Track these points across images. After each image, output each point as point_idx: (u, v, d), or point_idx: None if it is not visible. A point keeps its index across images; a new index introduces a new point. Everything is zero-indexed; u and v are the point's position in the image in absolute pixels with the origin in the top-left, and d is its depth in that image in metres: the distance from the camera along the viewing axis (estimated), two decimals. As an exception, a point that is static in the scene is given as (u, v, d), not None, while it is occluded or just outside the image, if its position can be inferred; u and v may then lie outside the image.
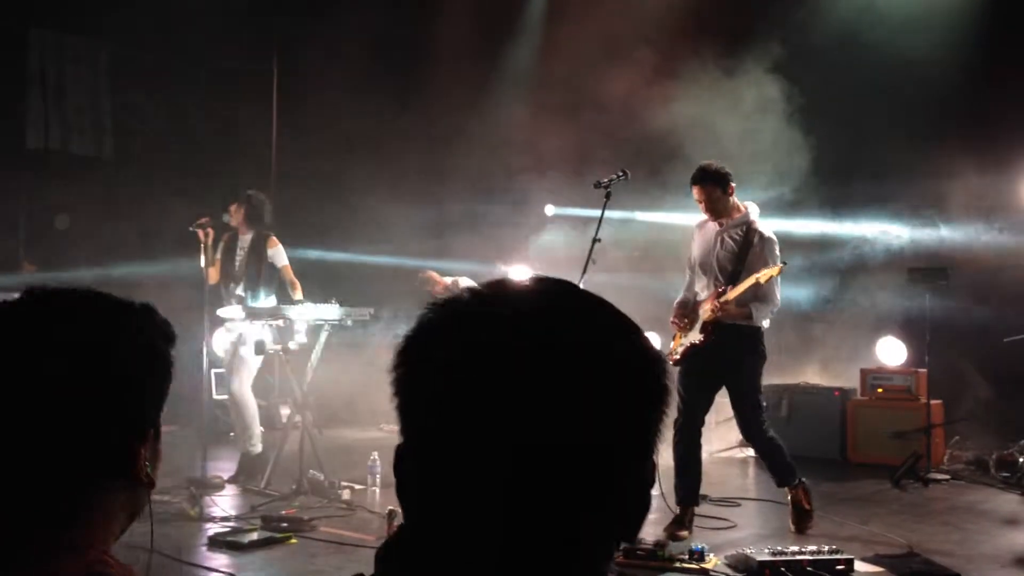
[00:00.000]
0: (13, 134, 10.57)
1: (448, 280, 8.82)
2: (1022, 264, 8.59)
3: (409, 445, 0.89)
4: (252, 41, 11.32)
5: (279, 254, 7.30)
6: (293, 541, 5.46)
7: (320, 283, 7.86)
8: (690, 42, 9.22)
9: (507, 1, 11.35)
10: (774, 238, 5.79)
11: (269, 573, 4.99)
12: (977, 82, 8.51)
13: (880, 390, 8.48)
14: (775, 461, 5.86)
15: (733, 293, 5.64)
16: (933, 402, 8.04)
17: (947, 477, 7.57)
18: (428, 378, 0.87)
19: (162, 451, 1.28)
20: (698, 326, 5.80)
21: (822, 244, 9.48)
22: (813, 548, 4.89)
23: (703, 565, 4.93)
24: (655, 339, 7.59)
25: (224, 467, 7.32)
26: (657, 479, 1.12)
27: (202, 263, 6.97)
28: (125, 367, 1.21)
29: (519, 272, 8.78)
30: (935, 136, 8.42)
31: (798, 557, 4.77)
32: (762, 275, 5.57)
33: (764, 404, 5.90)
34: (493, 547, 0.83)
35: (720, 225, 5.83)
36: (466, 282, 6.81)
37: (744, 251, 5.75)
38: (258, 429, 7.24)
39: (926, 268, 8.33)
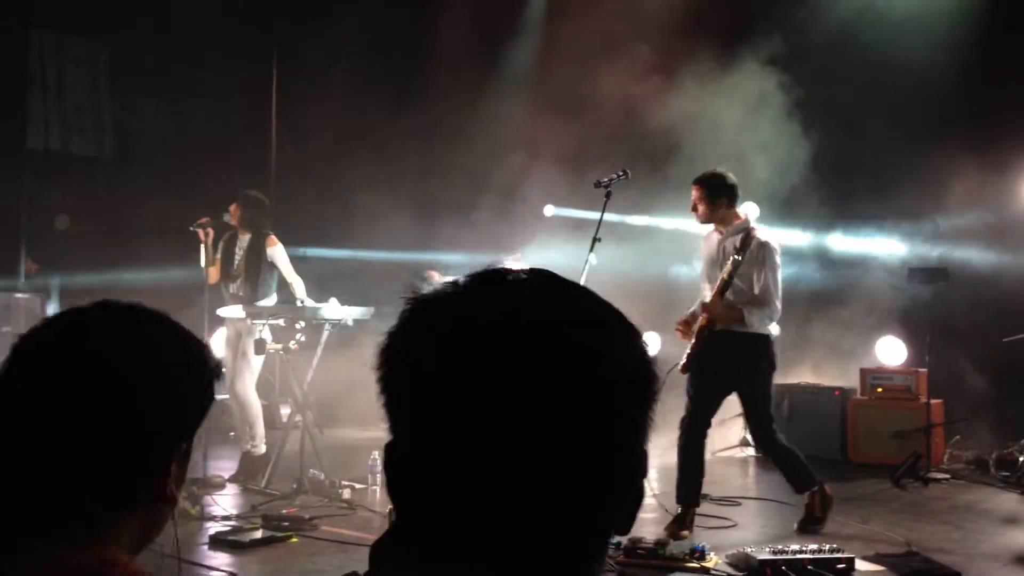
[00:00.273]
0: (13, 134, 10.57)
1: (448, 280, 8.80)
2: (1022, 264, 8.59)
3: (397, 443, 0.88)
4: (252, 41, 11.33)
5: (279, 253, 7.27)
6: (294, 540, 5.46)
7: (320, 282, 7.86)
8: (690, 42, 9.22)
9: (507, 1, 11.35)
10: (773, 244, 5.77)
11: (270, 572, 4.99)
12: (977, 82, 8.50)
13: (880, 390, 8.48)
14: (789, 468, 5.85)
15: (712, 296, 5.65)
16: (933, 401, 8.04)
17: (947, 476, 7.57)
18: (411, 375, 0.86)
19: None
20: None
21: (822, 244, 9.48)
22: (814, 547, 4.88)
23: (704, 564, 4.94)
24: (655, 339, 7.64)
25: (225, 466, 7.32)
26: (649, 482, 1.12)
27: (202, 263, 6.97)
28: (181, 396, 1.24)
29: (514, 263, 8.76)
30: (935, 136, 8.42)
31: (799, 556, 4.76)
32: (724, 271, 5.59)
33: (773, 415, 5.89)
34: (485, 542, 0.83)
35: (721, 234, 5.86)
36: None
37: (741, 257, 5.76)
38: (262, 429, 7.22)
39: (926, 268, 8.34)
